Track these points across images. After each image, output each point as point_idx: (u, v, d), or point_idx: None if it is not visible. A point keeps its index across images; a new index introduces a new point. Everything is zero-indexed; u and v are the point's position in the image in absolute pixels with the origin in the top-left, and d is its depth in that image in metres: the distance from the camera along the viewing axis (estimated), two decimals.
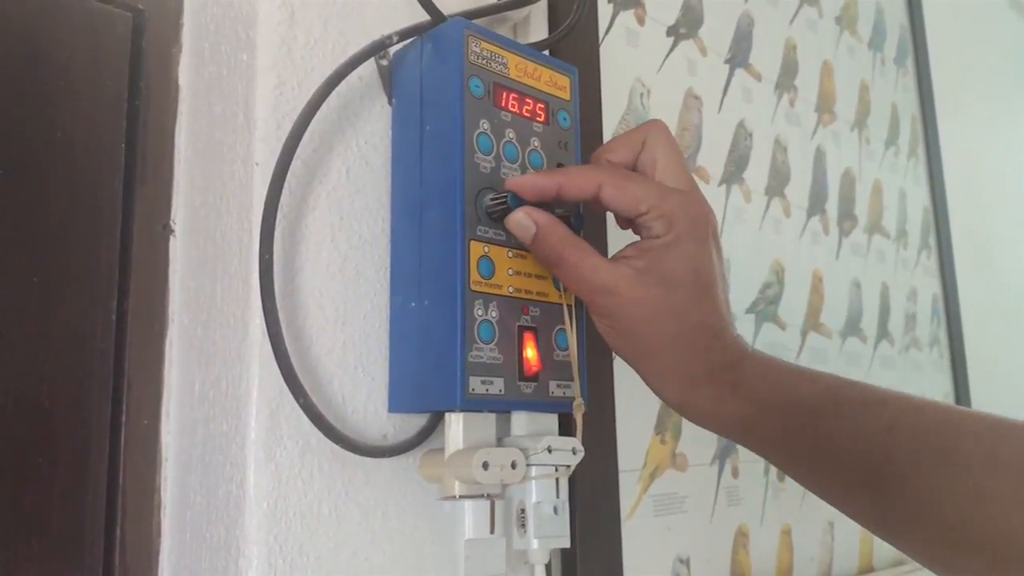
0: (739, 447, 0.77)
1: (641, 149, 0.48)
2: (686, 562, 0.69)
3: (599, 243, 0.63)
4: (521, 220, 0.46)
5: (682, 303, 0.45)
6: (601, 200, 0.46)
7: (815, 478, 0.47)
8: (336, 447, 0.46)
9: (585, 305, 0.48)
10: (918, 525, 0.43)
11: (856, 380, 0.47)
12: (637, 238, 0.48)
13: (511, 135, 0.49)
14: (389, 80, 0.51)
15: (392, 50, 0.51)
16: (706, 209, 0.47)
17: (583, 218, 0.50)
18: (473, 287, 0.46)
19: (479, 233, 0.47)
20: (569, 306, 0.50)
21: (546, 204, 0.47)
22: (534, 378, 0.48)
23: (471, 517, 0.46)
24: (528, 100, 0.51)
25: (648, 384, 0.48)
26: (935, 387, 1.17)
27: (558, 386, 0.49)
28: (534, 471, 0.48)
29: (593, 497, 0.58)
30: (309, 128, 0.46)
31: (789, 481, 0.83)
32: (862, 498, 0.45)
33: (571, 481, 0.52)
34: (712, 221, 0.47)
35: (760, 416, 0.45)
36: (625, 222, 0.49)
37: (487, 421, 0.48)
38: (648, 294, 0.44)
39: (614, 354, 0.63)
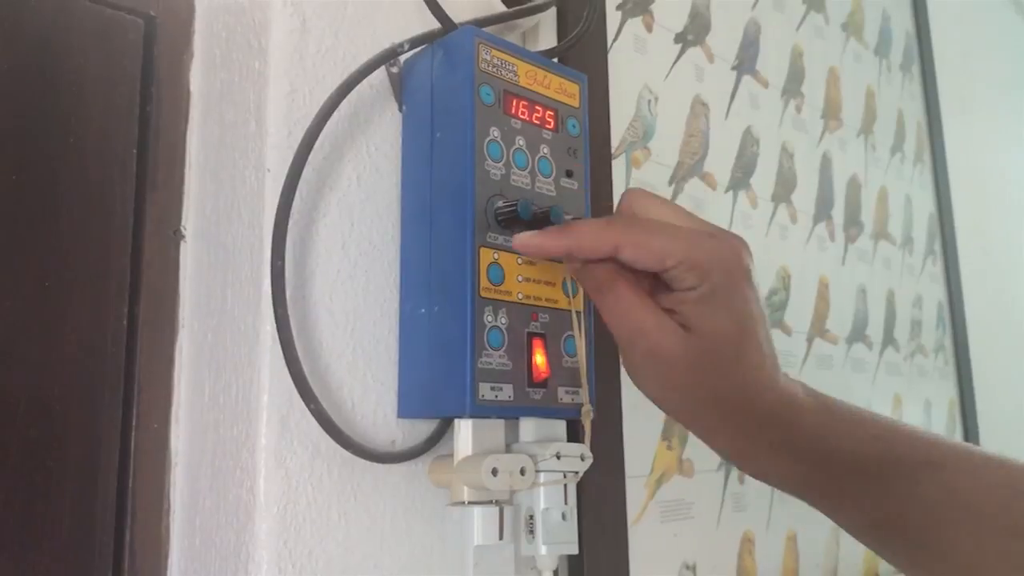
0: None
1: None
2: (692, 568, 0.69)
3: None
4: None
5: (727, 358, 0.42)
6: (620, 261, 0.42)
7: (871, 539, 0.46)
8: (346, 452, 0.46)
9: (622, 354, 0.44)
10: None
11: (919, 433, 0.45)
12: None
13: (521, 142, 0.50)
14: (400, 88, 0.52)
15: (403, 58, 0.52)
16: (738, 249, 0.43)
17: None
18: (483, 293, 0.46)
19: (489, 240, 0.47)
20: (578, 312, 0.50)
21: None
22: (543, 384, 0.48)
23: (480, 523, 0.46)
24: (538, 107, 0.51)
25: (703, 441, 0.45)
26: (940, 394, 1.17)
27: (566, 393, 0.49)
28: (543, 477, 0.48)
29: (601, 503, 0.58)
30: (320, 135, 0.46)
31: None
32: (912, 560, 0.45)
33: (579, 487, 0.52)
34: (745, 260, 0.43)
35: (817, 475, 0.44)
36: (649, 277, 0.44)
37: (496, 427, 0.48)
38: (690, 350, 0.41)
39: (620, 363, 0.64)
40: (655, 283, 0.43)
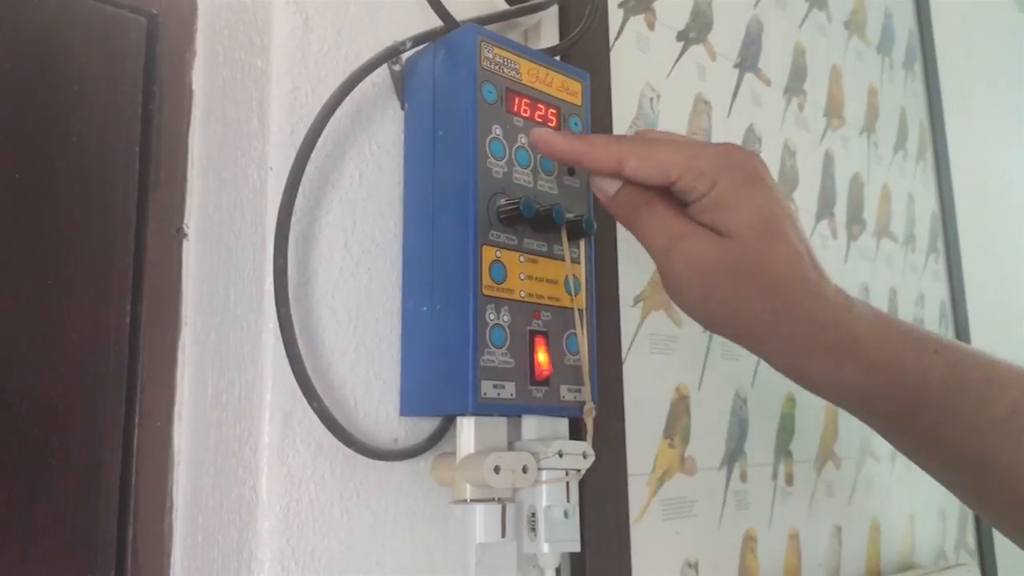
0: (747, 451, 0.77)
1: None
2: (695, 566, 0.69)
3: (608, 243, 0.63)
4: (599, 183, 0.46)
5: (760, 256, 0.41)
6: (626, 175, 0.44)
7: (930, 460, 0.46)
8: (348, 450, 0.46)
9: (662, 277, 0.45)
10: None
11: (978, 353, 0.45)
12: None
13: (523, 140, 0.50)
14: (402, 86, 0.52)
15: (405, 56, 0.52)
16: (745, 154, 0.44)
17: (594, 223, 0.51)
18: (485, 291, 0.46)
19: (491, 238, 0.47)
20: (580, 310, 0.50)
21: None
22: (545, 382, 0.48)
23: (482, 521, 0.46)
24: (540, 105, 0.51)
25: (756, 355, 0.45)
26: None
27: (569, 390, 0.49)
28: (545, 475, 0.48)
29: (603, 501, 0.58)
30: (323, 133, 0.46)
31: (797, 486, 0.83)
32: (971, 482, 0.44)
33: (581, 485, 0.52)
34: (756, 164, 0.43)
35: (877, 390, 0.43)
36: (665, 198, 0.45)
37: (498, 425, 0.48)
38: (727, 253, 0.42)
39: (622, 361, 0.64)
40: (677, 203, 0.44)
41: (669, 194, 0.44)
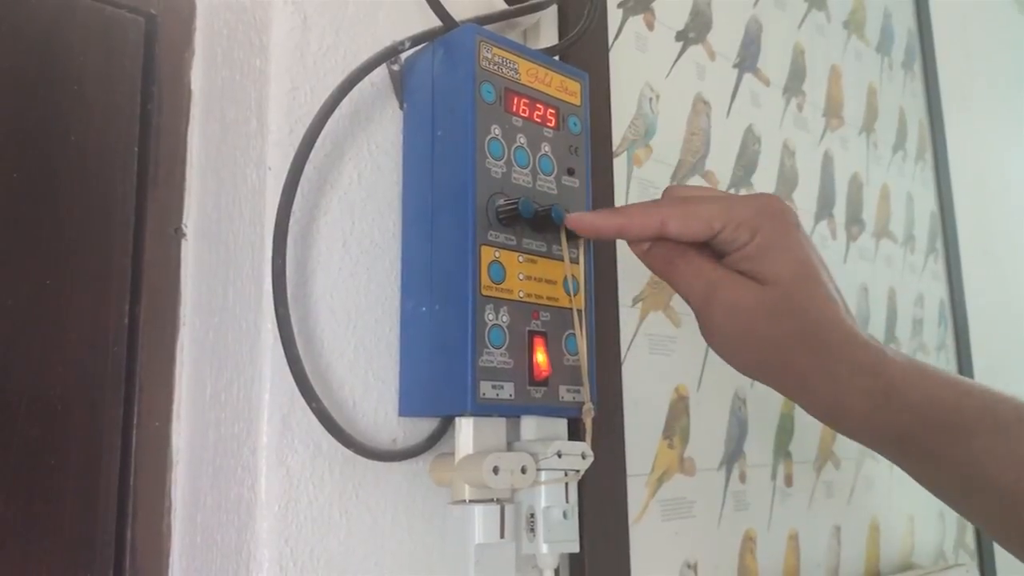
0: (746, 452, 0.77)
1: None
2: (694, 567, 0.69)
3: (607, 244, 0.63)
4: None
5: (800, 299, 0.43)
6: (669, 235, 0.45)
7: (965, 500, 0.46)
8: (347, 451, 0.46)
9: (701, 324, 0.46)
10: None
11: (1000, 391, 0.45)
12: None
13: (522, 140, 0.50)
14: (401, 85, 0.52)
15: (404, 56, 0.52)
16: (780, 204, 0.46)
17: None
18: (484, 292, 0.46)
19: (490, 238, 0.47)
20: (579, 310, 0.50)
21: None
22: (544, 383, 0.48)
23: (481, 522, 0.46)
24: (539, 105, 0.51)
25: (795, 401, 0.46)
26: None
27: (568, 391, 0.49)
28: (544, 476, 0.48)
29: (602, 502, 0.58)
30: (321, 133, 0.46)
31: (796, 486, 0.83)
32: (1011, 521, 0.44)
33: (580, 486, 0.52)
34: (790, 213, 0.45)
35: (915, 429, 0.43)
36: (702, 252, 0.46)
37: (497, 426, 0.48)
38: (767, 298, 0.43)
39: (621, 361, 0.64)
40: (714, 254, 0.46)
41: (701, 245, 0.46)
